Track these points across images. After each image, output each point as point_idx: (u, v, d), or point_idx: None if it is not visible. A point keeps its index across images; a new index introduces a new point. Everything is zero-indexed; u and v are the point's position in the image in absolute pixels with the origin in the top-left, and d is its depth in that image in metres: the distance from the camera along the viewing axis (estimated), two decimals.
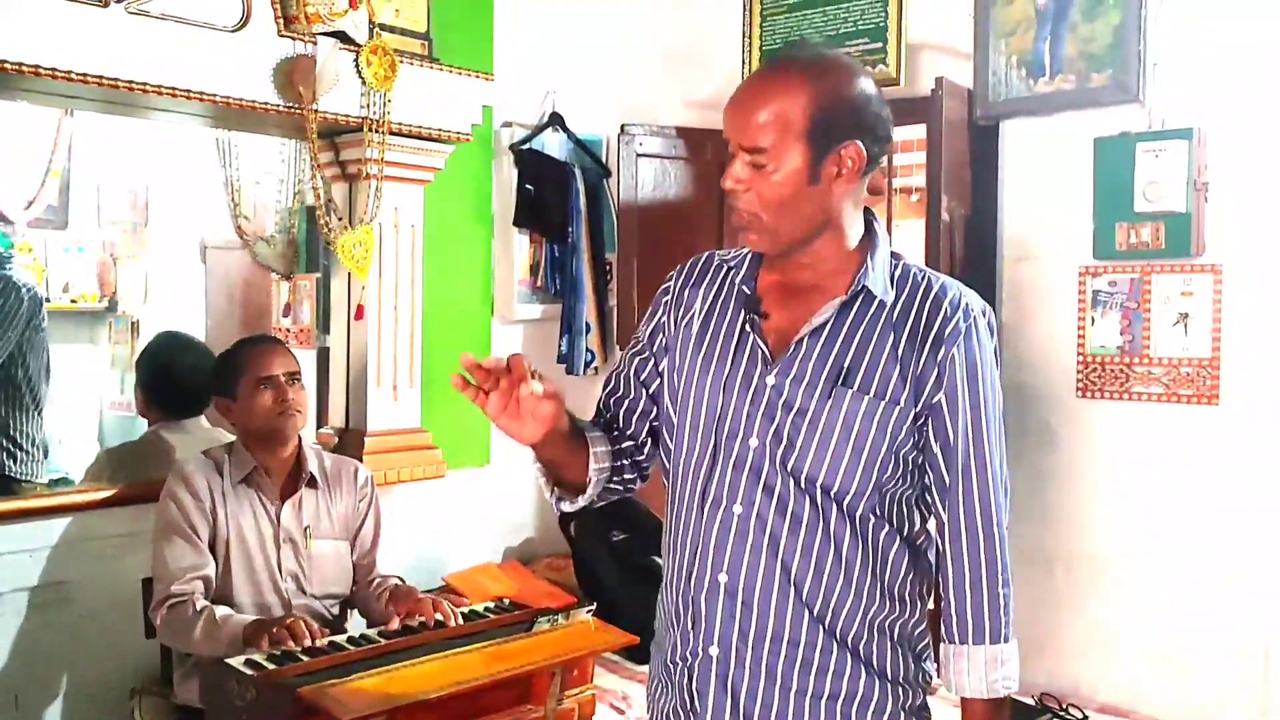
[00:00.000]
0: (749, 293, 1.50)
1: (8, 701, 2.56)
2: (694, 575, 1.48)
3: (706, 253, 1.62)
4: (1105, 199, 2.87)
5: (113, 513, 2.68)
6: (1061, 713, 2.83)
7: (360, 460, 2.84)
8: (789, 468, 1.42)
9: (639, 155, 3.70)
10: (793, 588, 1.43)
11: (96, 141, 4.35)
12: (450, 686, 2.06)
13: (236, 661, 2.05)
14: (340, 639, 2.23)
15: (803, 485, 1.42)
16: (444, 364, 3.35)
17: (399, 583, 2.57)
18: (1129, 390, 2.90)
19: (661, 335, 1.58)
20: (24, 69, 2.28)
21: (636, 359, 1.61)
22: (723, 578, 1.45)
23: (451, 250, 3.38)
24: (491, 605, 2.50)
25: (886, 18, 3.27)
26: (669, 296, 1.59)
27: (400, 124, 2.91)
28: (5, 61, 2.25)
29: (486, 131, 3.45)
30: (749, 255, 1.53)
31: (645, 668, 3.09)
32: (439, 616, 2.37)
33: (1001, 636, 1.45)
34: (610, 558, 3.33)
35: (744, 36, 3.61)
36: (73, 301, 4.56)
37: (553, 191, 3.59)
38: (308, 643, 2.16)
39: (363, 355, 3.05)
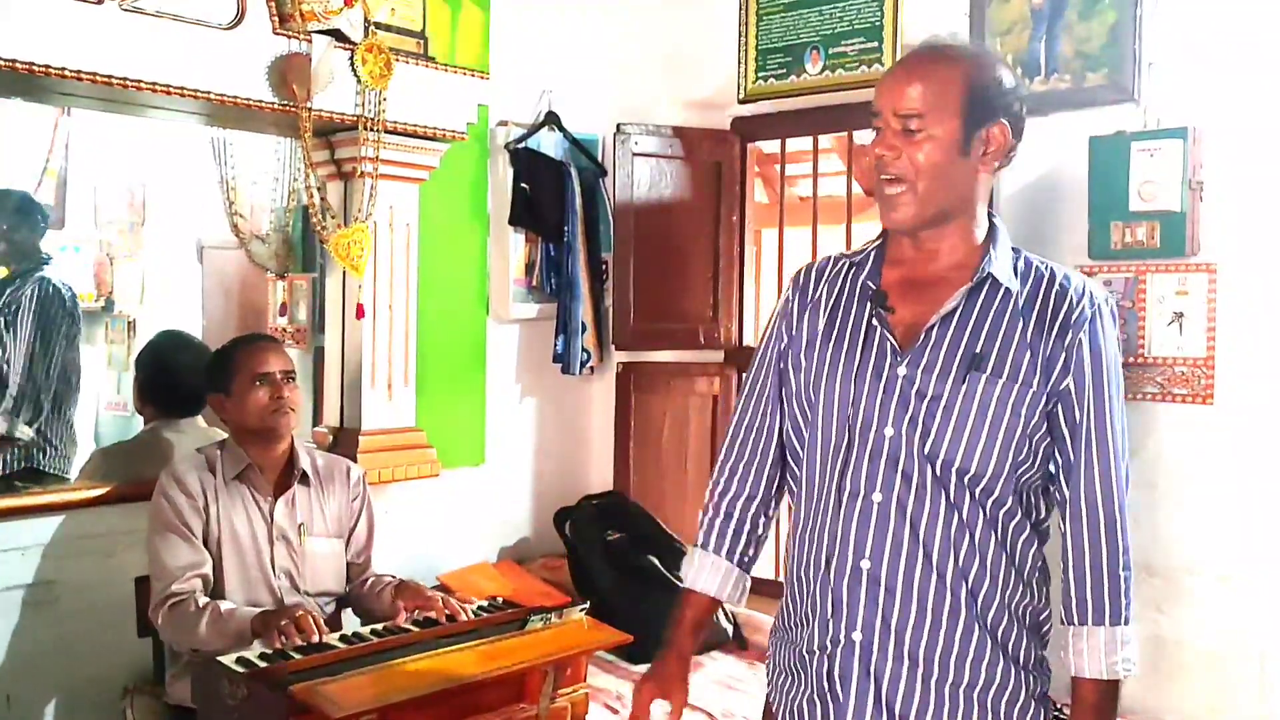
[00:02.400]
0: (874, 287, 1.55)
1: (0, 700, 2.56)
2: (834, 564, 1.51)
3: (824, 256, 1.68)
4: (1100, 198, 2.86)
5: (106, 511, 2.68)
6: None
7: (354, 459, 2.84)
8: (926, 454, 1.46)
9: (635, 155, 3.69)
10: (935, 572, 1.46)
11: (93, 141, 4.36)
12: (442, 684, 2.06)
13: (228, 660, 2.05)
14: (333, 638, 2.22)
15: (939, 471, 1.46)
16: (439, 363, 3.36)
17: (397, 579, 2.56)
18: (1124, 390, 2.89)
19: (785, 346, 1.63)
20: (17, 66, 2.29)
21: (765, 387, 1.66)
22: (865, 564, 1.49)
23: (447, 249, 3.38)
24: (485, 603, 2.49)
25: (882, 17, 3.27)
26: (789, 308, 1.64)
27: (395, 122, 2.91)
28: None
29: (482, 130, 3.45)
30: (873, 252, 1.59)
31: (640, 668, 3.11)
32: (449, 613, 2.36)
33: (1122, 618, 1.48)
34: (605, 557, 3.33)
35: (740, 36, 3.61)
36: None
37: (548, 191, 3.59)
38: (316, 638, 2.16)
39: (357, 354, 3.05)
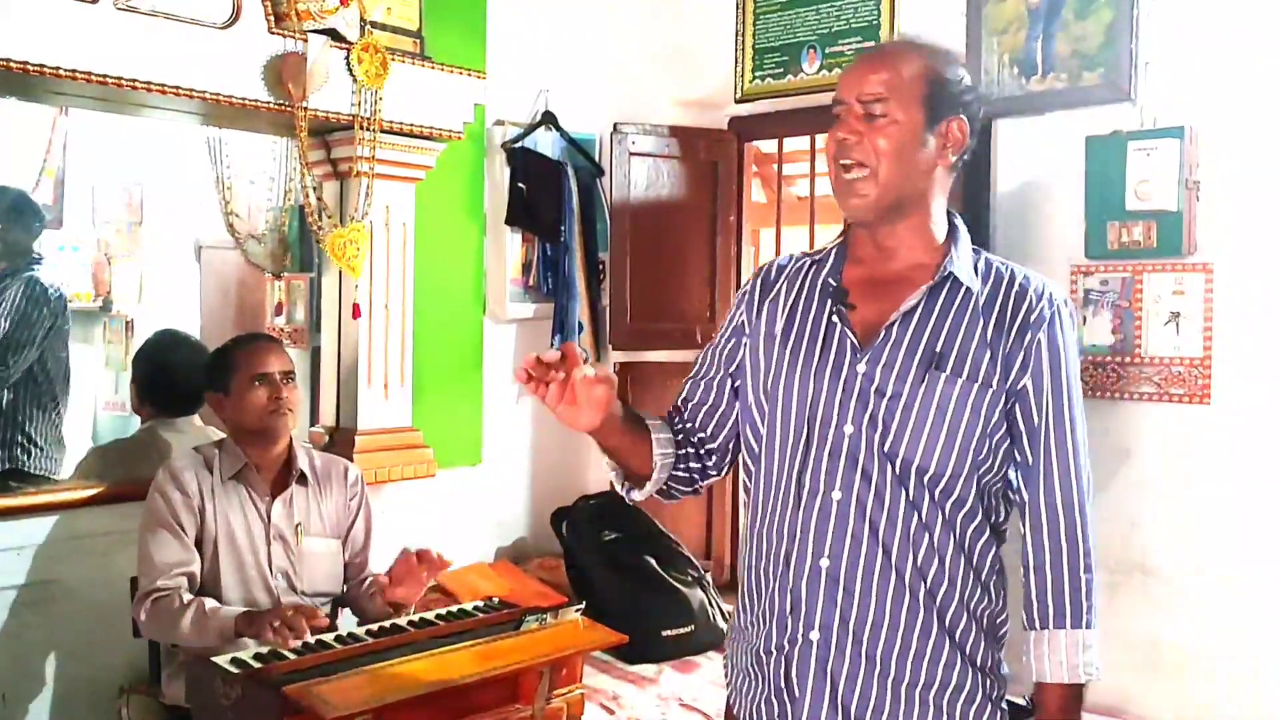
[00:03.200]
0: (835, 284, 1.54)
1: None
2: (793, 562, 1.49)
3: (786, 255, 1.67)
4: (1097, 198, 2.86)
5: (102, 510, 2.67)
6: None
7: (350, 459, 2.83)
8: (886, 452, 1.44)
9: (632, 154, 3.69)
10: (893, 572, 1.45)
11: (91, 141, 4.36)
12: (437, 685, 2.05)
13: (222, 660, 2.04)
14: (328, 637, 2.22)
15: (898, 470, 1.45)
16: (436, 363, 3.35)
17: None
18: (1121, 390, 2.89)
19: (743, 336, 1.62)
20: (12, 65, 2.28)
21: (715, 360, 1.65)
22: (824, 563, 1.47)
23: (443, 249, 3.38)
24: (480, 604, 2.49)
25: (879, 16, 3.27)
26: (747, 298, 1.63)
27: (391, 122, 2.91)
28: None
29: (479, 130, 3.45)
30: (834, 251, 1.58)
31: (636, 668, 3.12)
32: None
33: (1084, 621, 1.46)
34: (602, 558, 3.33)
35: (737, 35, 3.62)
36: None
37: (545, 190, 3.59)
38: (307, 637, 2.15)
39: (354, 354, 3.05)
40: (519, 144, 3.56)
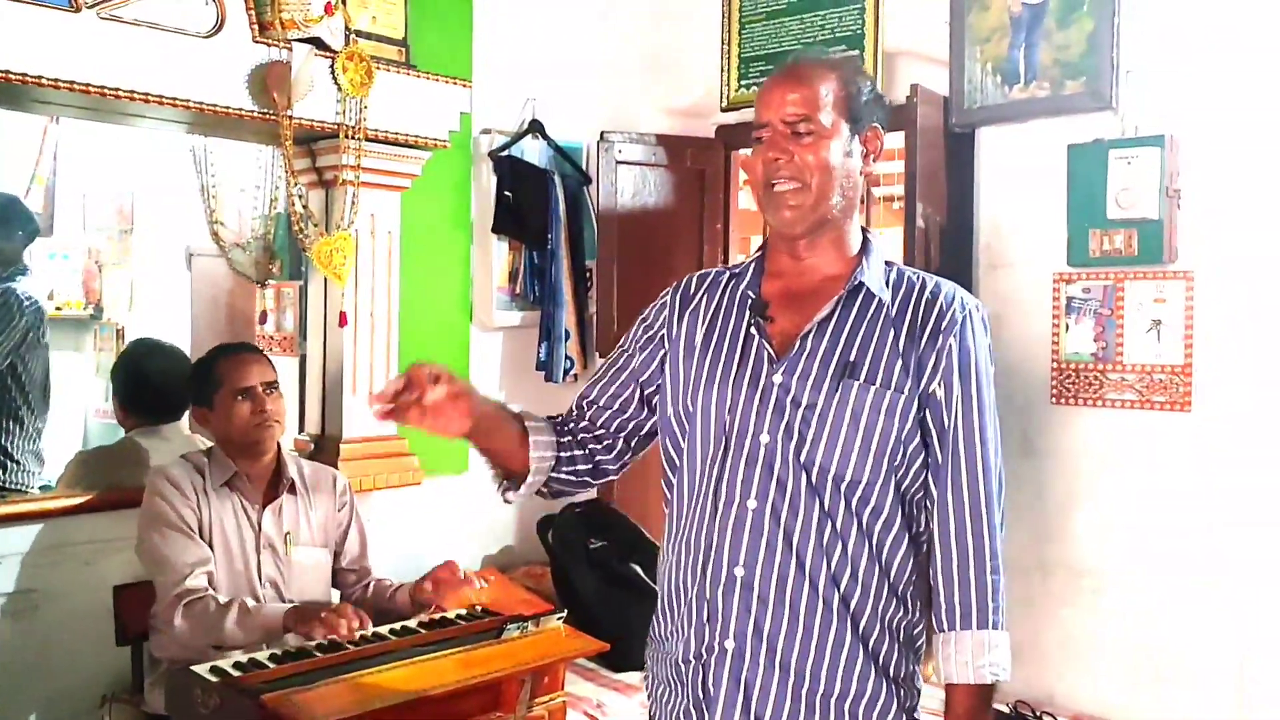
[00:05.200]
0: (754, 296, 1.56)
1: None
2: (709, 571, 1.50)
3: (705, 270, 1.69)
4: (1079, 206, 2.88)
5: (86, 519, 2.67)
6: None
7: (335, 467, 2.83)
8: (801, 461, 1.46)
9: (619, 162, 3.70)
10: (807, 580, 1.45)
11: (82, 149, 4.36)
12: (417, 693, 2.05)
13: (202, 669, 2.04)
14: (309, 645, 2.22)
15: (813, 479, 1.45)
16: None
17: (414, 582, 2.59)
18: (1103, 397, 2.90)
19: (662, 348, 1.63)
20: None
21: (625, 365, 1.66)
22: (739, 571, 1.47)
23: (430, 257, 3.38)
24: (463, 611, 2.49)
25: (864, 25, 3.29)
26: (669, 305, 1.65)
27: (377, 130, 2.91)
28: None
29: (465, 138, 3.45)
30: (753, 264, 1.60)
31: (622, 676, 3.11)
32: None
33: (990, 623, 1.46)
34: (588, 565, 3.33)
35: (723, 44, 3.63)
36: (58, 309, 4.55)
37: (532, 198, 3.59)
38: (355, 632, 2.20)
39: (339, 362, 3.05)
40: (506, 152, 3.57)
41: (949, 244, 3.10)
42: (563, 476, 1.65)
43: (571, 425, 1.68)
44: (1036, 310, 3.01)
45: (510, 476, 1.62)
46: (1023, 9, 2.98)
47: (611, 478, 1.73)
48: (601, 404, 1.67)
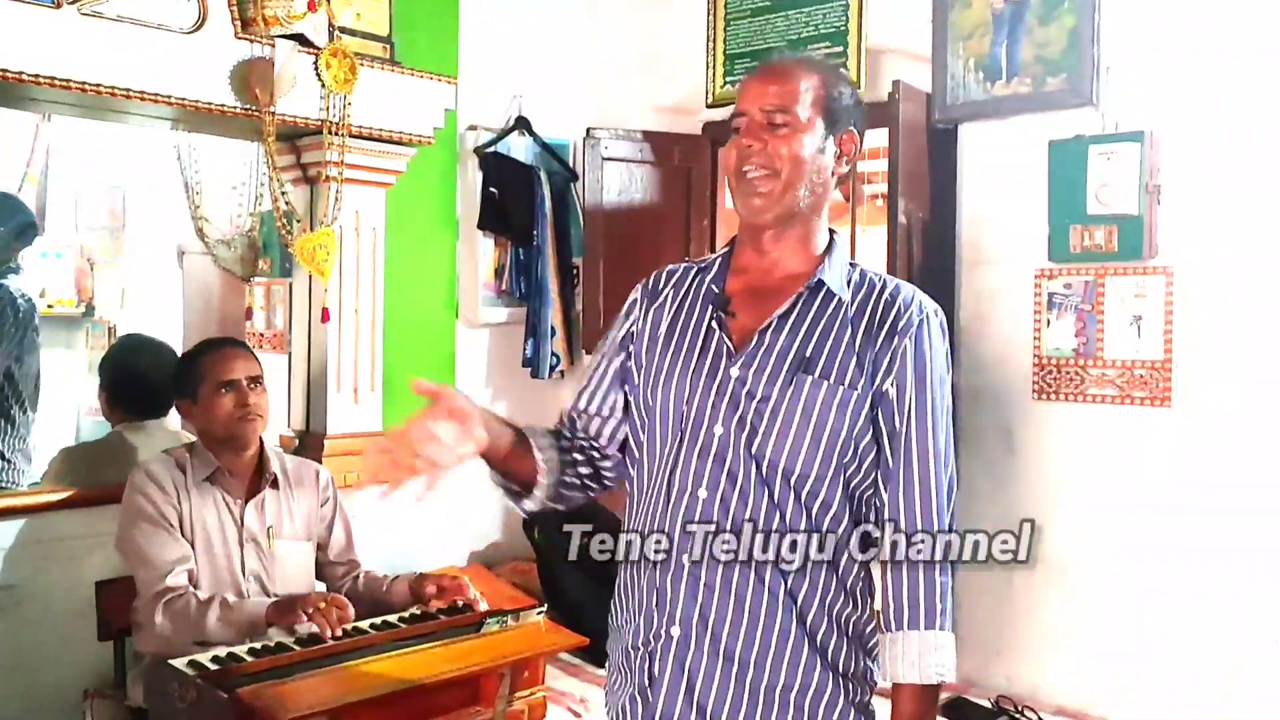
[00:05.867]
0: (718, 291, 1.58)
1: None
2: (659, 559, 1.52)
3: (676, 264, 1.71)
4: (1059, 202, 2.88)
5: (69, 514, 2.68)
6: (1018, 715, 2.84)
7: (320, 463, 2.84)
8: (753, 453, 1.47)
9: (605, 159, 3.70)
10: (753, 570, 1.47)
11: (73, 147, 4.37)
12: (394, 687, 2.06)
13: (179, 663, 2.05)
14: (287, 640, 2.23)
15: (763, 471, 1.47)
16: (407, 368, 3.35)
17: (411, 574, 2.61)
18: (1084, 392, 2.91)
19: (631, 341, 1.64)
20: None
21: (608, 364, 1.68)
22: (686, 559, 1.49)
23: (415, 253, 3.39)
24: (444, 606, 2.50)
25: (847, 22, 3.29)
26: (639, 302, 1.67)
27: (361, 127, 2.92)
28: None
29: (450, 135, 3.46)
30: (719, 260, 1.63)
31: (605, 670, 3.11)
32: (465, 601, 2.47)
33: (937, 624, 1.47)
34: (574, 562, 3.33)
35: (708, 41, 3.63)
36: (50, 307, 4.56)
37: (518, 195, 3.60)
38: (336, 627, 2.21)
39: (323, 358, 3.06)
40: (491, 149, 3.58)
41: (931, 240, 3.10)
42: (569, 481, 1.64)
43: (568, 434, 1.68)
44: (1018, 306, 3.02)
45: (520, 487, 1.60)
46: (1004, 6, 2.99)
47: (611, 484, 1.71)
48: (592, 411, 1.68)
